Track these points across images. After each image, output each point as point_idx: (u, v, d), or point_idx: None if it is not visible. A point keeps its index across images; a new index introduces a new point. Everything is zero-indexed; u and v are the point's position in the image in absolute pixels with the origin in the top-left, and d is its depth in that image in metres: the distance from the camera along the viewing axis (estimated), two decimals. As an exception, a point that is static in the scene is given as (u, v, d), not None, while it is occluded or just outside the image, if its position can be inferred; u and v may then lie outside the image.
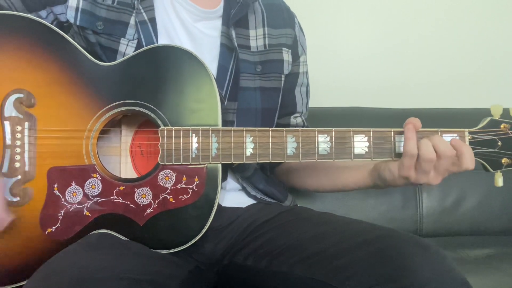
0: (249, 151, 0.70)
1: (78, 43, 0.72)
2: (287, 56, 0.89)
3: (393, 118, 1.15)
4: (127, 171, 0.75)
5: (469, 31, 1.49)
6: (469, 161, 0.69)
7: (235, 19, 0.82)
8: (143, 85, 0.71)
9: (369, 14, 1.47)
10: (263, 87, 0.85)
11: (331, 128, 0.71)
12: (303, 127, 0.95)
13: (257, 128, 0.70)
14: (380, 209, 1.20)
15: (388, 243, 0.61)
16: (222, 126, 0.71)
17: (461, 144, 0.70)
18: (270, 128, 0.71)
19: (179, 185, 0.69)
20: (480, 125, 0.74)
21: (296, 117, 0.94)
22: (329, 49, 1.45)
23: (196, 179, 0.69)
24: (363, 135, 0.71)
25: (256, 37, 0.86)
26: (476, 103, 1.30)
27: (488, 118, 0.74)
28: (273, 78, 0.87)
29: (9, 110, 0.69)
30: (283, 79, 0.89)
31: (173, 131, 0.69)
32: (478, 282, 0.89)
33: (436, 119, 1.22)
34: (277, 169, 0.96)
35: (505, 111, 0.73)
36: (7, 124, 0.69)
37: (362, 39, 1.48)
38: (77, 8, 0.76)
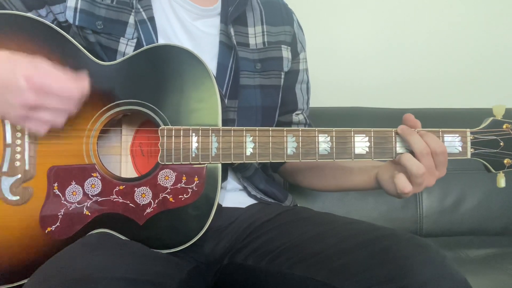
0: (249, 150, 0.70)
1: (78, 43, 0.72)
2: (286, 53, 0.89)
3: (394, 118, 1.14)
4: (128, 170, 0.75)
5: (470, 31, 1.49)
6: (412, 163, 0.68)
7: (233, 16, 0.82)
8: (143, 84, 0.71)
9: (369, 14, 1.47)
10: (263, 85, 0.85)
11: (331, 128, 0.71)
12: (305, 124, 0.95)
13: (257, 128, 0.70)
14: (380, 209, 1.20)
15: (388, 243, 0.61)
16: (223, 125, 0.71)
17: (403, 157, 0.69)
18: (270, 128, 0.71)
19: (179, 184, 0.69)
20: (482, 125, 0.73)
21: (298, 114, 0.94)
22: (330, 49, 1.45)
23: (196, 178, 0.69)
24: (364, 135, 0.71)
25: (255, 35, 0.86)
26: (477, 103, 1.30)
27: (490, 118, 0.73)
28: (272, 75, 0.87)
29: (9, 109, 0.68)
30: (282, 76, 0.89)
31: (173, 131, 0.69)
32: (478, 282, 0.89)
33: (437, 119, 1.22)
34: (281, 169, 0.96)
35: (508, 111, 0.72)
36: (7, 123, 0.69)
37: (362, 39, 1.47)
38: (75, 8, 0.76)
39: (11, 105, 0.60)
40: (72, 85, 0.62)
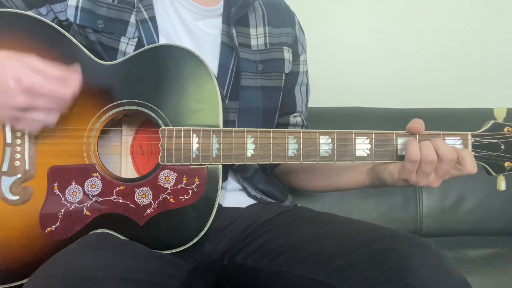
0: (250, 152, 0.70)
1: (79, 42, 0.72)
2: (287, 55, 0.89)
3: (394, 118, 1.15)
4: (128, 170, 0.75)
5: (470, 31, 1.48)
6: (470, 164, 0.68)
7: (236, 17, 0.82)
8: (144, 84, 0.70)
9: (370, 14, 1.47)
10: (264, 86, 0.85)
11: (332, 130, 0.71)
12: (302, 126, 0.95)
13: (258, 129, 0.70)
14: (380, 209, 1.20)
15: (388, 243, 0.61)
16: (224, 126, 0.71)
17: (462, 149, 0.69)
18: (271, 129, 0.70)
19: (180, 185, 0.69)
20: (483, 128, 0.73)
21: (296, 116, 0.94)
22: (330, 49, 1.45)
23: (196, 179, 0.69)
24: (365, 137, 0.71)
25: (257, 36, 0.86)
26: (477, 103, 1.30)
27: (492, 121, 0.73)
28: (274, 77, 0.87)
29: (9, 108, 0.68)
30: (283, 78, 0.88)
31: (174, 131, 0.69)
32: (478, 282, 0.89)
33: (437, 119, 1.22)
34: (276, 170, 0.96)
35: (509, 114, 0.72)
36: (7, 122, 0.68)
37: (363, 39, 1.47)
38: (76, 7, 0.76)
39: (1, 106, 0.59)
40: (62, 86, 0.61)
